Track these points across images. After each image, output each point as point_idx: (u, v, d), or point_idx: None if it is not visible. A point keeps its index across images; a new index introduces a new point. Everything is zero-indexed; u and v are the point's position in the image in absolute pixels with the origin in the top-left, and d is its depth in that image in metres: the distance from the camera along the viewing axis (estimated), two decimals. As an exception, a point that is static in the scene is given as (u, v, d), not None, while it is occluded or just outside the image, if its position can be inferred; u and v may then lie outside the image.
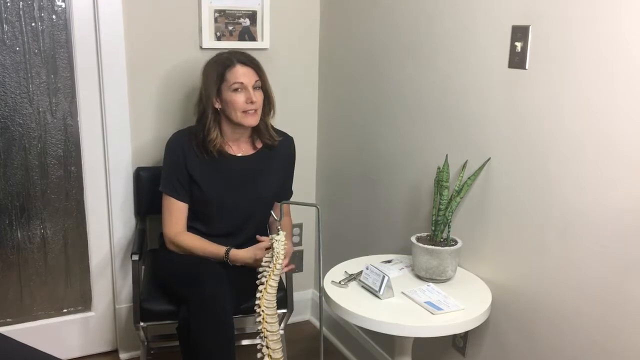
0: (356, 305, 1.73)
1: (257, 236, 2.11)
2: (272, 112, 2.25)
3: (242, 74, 2.11)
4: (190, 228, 2.23)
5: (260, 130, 2.25)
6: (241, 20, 2.56)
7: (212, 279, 2.00)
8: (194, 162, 2.19)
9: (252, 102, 2.11)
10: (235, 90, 2.11)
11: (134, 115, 2.48)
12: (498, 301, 1.84)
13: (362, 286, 1.85)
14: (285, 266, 2.01)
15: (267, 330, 1.86)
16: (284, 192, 2.35)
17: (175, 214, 2.21)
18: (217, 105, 2.15)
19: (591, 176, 1.53)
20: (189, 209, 2.23)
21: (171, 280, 2.16)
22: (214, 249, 2.16)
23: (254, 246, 2.09)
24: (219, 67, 2.14)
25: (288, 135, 2.35)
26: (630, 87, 1.42)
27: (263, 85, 2.18)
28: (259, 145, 2.27)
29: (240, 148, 2.25)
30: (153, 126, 2.53)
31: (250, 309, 1.97)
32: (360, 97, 2.49)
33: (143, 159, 2.54)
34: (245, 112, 2.12)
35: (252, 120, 2.15)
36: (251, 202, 2.25)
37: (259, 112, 2.17)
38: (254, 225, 2.27)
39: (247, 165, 2.24)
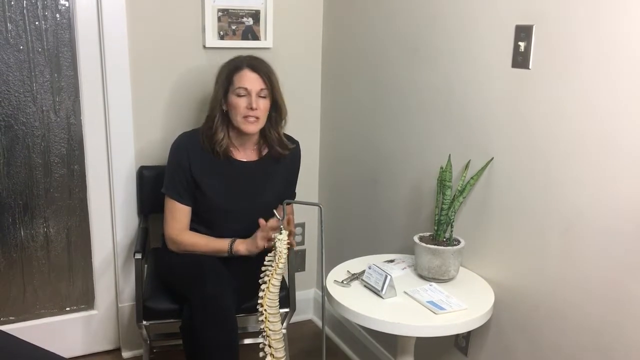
0: (358, 305, 1.73)
1: (260, 220, 2.08)
2: (282, 122, 2.23)
3: (247, 79, 2.09)
4: (194, 230, 2.23)
5: (271, 140, 2.23)
6: (244, 19, 2.56)
7: (214, 278, 2.00)
8: (198, 167, 2.18)
9: (251, 109, 2.09)
10: (239, 94, 2.10)
11: (137, 114, 2.49)
12: (500, 301, 1.84)
13: (365, 285, 1.84)
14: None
15: (269, 329, 1.86)
16: (288, 195, 2.34)
17: (178, 216, 2.20)
18: (225, 107, 2.15)
19: (594, 176, 1.53)
20: (194, 213, 2.23)
21: (173, 280, 2.16)
22: (217, 243, 2.16)
23: (256, 232, 2.11)
24: (229, 69, 2.13)
25: (294, 140, 2.34)
26: (634, 87, 1.42)
27: (273, 95, 2.15)
28: (265, 152, 2.26)
29: (245, 153, 2.24)
30: (156, 125, 2.53)
31: (252, 308, 1.97)
32: (363, 96, 2.49)
33: (146, 158, 2.54)
34: (245, 117, 2.10)
35: (251, 128, 2.13)
36: (255, 207, 2.23)
37: (261, 120, 2.14)
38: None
39: (251, 170, 2.24)
